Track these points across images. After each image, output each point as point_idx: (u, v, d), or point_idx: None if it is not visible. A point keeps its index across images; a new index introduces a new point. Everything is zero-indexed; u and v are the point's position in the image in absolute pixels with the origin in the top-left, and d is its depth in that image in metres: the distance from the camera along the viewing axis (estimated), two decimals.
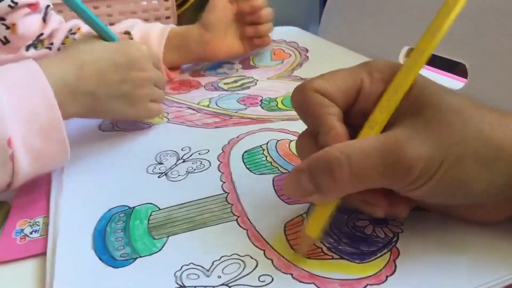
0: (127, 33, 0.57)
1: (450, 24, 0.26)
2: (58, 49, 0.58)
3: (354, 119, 0.27)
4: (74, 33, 0.60)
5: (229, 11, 0.62)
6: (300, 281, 0.25)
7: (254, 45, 0.64)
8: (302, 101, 0.27)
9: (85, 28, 0.61)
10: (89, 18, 0.43)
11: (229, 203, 0.32)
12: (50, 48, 0.58)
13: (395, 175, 0.23)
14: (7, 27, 0.55)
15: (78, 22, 0.61)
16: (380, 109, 0.25)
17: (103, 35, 0.43)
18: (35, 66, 0.34)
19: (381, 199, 0.26)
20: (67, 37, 0.59)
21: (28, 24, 0.56)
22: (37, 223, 0.32)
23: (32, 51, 0.57)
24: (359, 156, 0.23)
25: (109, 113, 0.41)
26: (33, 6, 0.57)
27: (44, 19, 0.59)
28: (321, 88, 0.26)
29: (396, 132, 0.24)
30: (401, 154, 0.22)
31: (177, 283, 0.25)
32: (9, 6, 0.54)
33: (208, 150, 0.39)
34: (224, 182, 0.34)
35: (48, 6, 0.59)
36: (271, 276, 0.25)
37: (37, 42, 0.57)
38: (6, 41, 0.56)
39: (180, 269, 0.26)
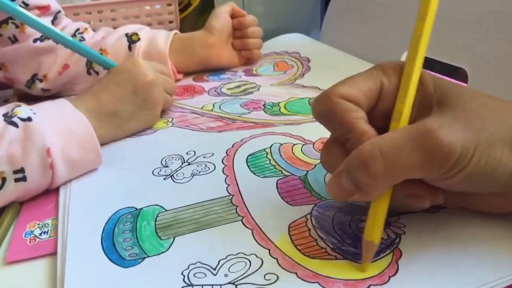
0: (135, 35, 0.59)
1: (436, 3, 0.27)
2: None
3: (377, 121, 0.27)
4: (82, 33, 0.61)
5: (230, 23, 0.66)
6: (304, 280, 0.25)
7: (245, 58, 0.68)
8: (328, 108, 0.26)
9: (91, 29, 0.63)
10: (87, 53, 0.50)
11: (234, 205, 0.32)
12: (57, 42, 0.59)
13: (433, 162, 0.23)
14: (17, 26, 0.57)
15: (85, 24, 0.63)
16: (400, 99, 0.26)
17: (103, 64, 0.51)
18: (64, 100, 0.41)
19: (426, 189, 0.26)
20: (74, 35, 0.60)
21: None
22: (46, 225, 0.33)
23: (38, 43, 0.58)
24: (391, 146, 0.23)
25: (132, 127, 0.46)
26: (43, 9, 0.59)
27: (53, 22, 0.60)
28: (346, 94, 0.26)
29: (426, 121, 0.24)
30: (438, 140, 0.22)
31: (185, 282, 0.26)
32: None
33: (213, 154, 0.40)
34: (229, 185, 0.35)
35: (59, 11, 0.61)
36: (276, 275, 0.26)
37: (44, 37, 0.58)
38: (14, 40, 0.57)
39: (187, 268, 0.27)
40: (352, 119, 0.26)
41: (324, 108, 0.27)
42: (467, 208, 0.28)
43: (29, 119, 0.36)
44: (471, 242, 0.27)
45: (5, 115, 0.36)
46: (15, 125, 0.35)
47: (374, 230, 0.25)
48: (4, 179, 0.34)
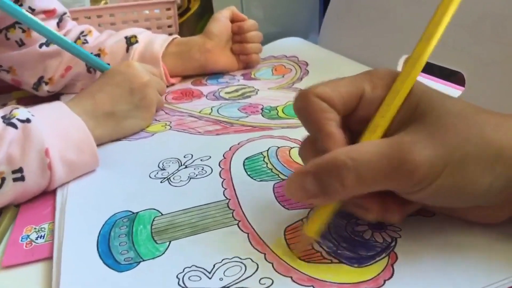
0: (134, 37, 0.60)
1: (444, 28, 0.26)
2: None
3: (354, 126, 0.28)
4: (86, 35, 0.62)
5: (229, 27, 0.66)
6: (299, 284, 0.25)
7: (243, 62, 0.68)
8: (303, 106, 0.27)
9: (96, 32, 0.64)
10: (83, 55, 0.52)
11: (230, 209, 0.32)
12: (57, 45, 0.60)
13: (400, 178, 0.23)
14: (23, 31, 0.58)
15: (90, 26, 0.64)
16: (381, 113, 0.26)
17: (98, 67, 0.53)
18: (60, 103, 0.41)
19: (373, 204, 0.26)
20: (78, 38, 0.62)
21: None
22: (42, 229, 0.33)
23: (44, 48, 0.59)
24: (364, 160, 0.24)
25: (129, 126, 0.47)
26: (49, 13, 0.60)
27: (59, 24, 0.62)
28: (322, 94, 0.27)
29: (400, 136, 0.24)
30: (406, 157, 0.23)
31: (180, 285, 0.26)
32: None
33: (210, 157, 0.40)
34: (226, 189, 0.35)
35: (65, 13, 0.62)
36: (271, 279, 0.26)
37: (50, 41, 0.59)
38: (21, 44, 0.59)
39: (183, 271, 0.27)
40: (323, 119, 0.26)
41: (300, 105, 0.28)
42: (453, 216, 0.28)
43: (27, 120, 0.36)
44: (467, 246, 0.27)
45: (3, 117, 0.37)
46: (14, 126, 0.36)
47: (315, 228, 0.26)
48: (3, 179, 0.34)
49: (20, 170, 0.35)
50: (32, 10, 0.58)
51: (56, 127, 0.38)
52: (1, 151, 0.34)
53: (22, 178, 0.35)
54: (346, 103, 0.27)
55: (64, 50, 0.58)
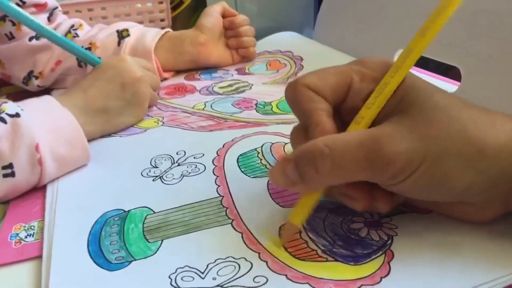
0: (126, 31, 0.59)
1: (441, 25, 0.26)
2: None
3: (346, 115, 0.28)
4: (76, 29, 0.61)
5: (221, 22, 0.66)
6: (294, 282, 0.25)
7: (240, 56, 0.68)
8: (294, 96, 0.28)
9: (87, 26, 0.63)
10: (74, 49, 0.51)
11: (224, 206, 0.32)
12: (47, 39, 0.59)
13: (375, 169, 0.24)
14: (13, 24, 0.57)
15: (81, 20, 0.63)
16: (367, 105, 0.26)
17: (89, 61, 0.52)
18: (50, 98, 0.41)
19: (360, 193, 0.26)
20: (69, 31, 0.61)
21: None
22: (32, 227, 0.32)
23: (34, 41, 0.58)
24: (341, 149, 0.24)
25: (120, 122, 0.46)
26: (40, 7, 0.59)
27: (49, 18, 0.61)
28: (311, 84, 0.27)
29: (380, 128, 0.24)
30: (382, 149, 0.23)
31: (172, 285, 0.25)
32: (17, 4, 0.56)
33: (203, 154, 0.40)
34: (219, 186, 0.34)
35: (56, 7, 0.62)
36: (265, 277, 0.25)
37: (39, 35, 0.58)
38: (11, 37, 0.58)
39: (175, 272, 0.26)
40: (312, 108, 0.27)
41: (290, 95, 0.28)
42: (439, 212, 0.28)
43: (17, 115, 0.36)
44: (464, 244, 0.26)
45: None
46: (3, 121, 0.35)
47: (299, 216, 0.27)
48: None
49: (10, 166, 0.34)
50: (23, 3, 0.57)
51: (46, 122, 0.37)
52: None
53: (12, 174, 0.34)
54: (334, 92, 0.27)
55: (55, 44, 0.58)
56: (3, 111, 0.36)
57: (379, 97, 0.26)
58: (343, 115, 0.28)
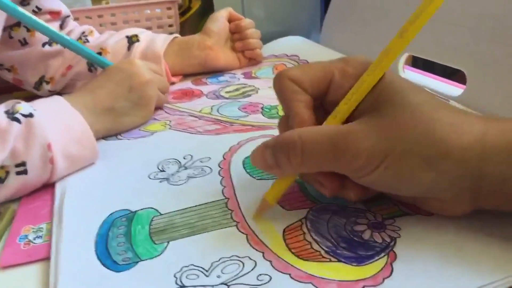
0: (135, 36, 0.60)
1: (420, 27, 0.27)
2: None
3: (328, 108, 0.30)
4: (87, 35, 0.63)
5: (227, 26, 0.67)
6: (298, 281, 0.25)
7: (247, 59, 0.68)
8: (278, 87, 0.30)
9: (97, 32, 0.64)
10: (86, 53, 0.53)
11: (229, 209, 0.32)
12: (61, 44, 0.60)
13: (339, 163, 0.26)
14: (28, 30, 0.59)
15: (91, 27, 0.65)
16: (344, 101, 0.28)
17: (100, 65, 0.53)
18: (60, 98, 0.42)
19: (329, 181, 0.28)
20: (79, 38, 0.62)
21: None
22: (40, 229, 0.33)
23: (47, 47, 0.60)
24: (312, 141, 0.26)
25: (127, 122, 0.47)
26: (54, 14, 0.61)
27: (61, 26, 0.63)
28: (294, 76, 0.29)
29: (350, 125, 0.26)
30: (348, 144, 0.25)
31: (177, 284, 0.26)
32: (33, 11, 0.58)
33: (210, 158, 0.40)
34: (225, 187, 0.35)
35: (68, 16, 0.63)
36: (269, 276, 0.25)
37: (53, 40, 0.59)
38: (24, 43, 0.59)
39: (180, 271, 0.27)
40: (292, 99, 0.29)
41: (276, 86, 0.30)
42: (415, 205, 0.30)
43: (30, 115, 0.37)
44: (466, 245, 0.26)
45: (7, 112, 0.37)
46: (18, 121, 0.36)
47: (273, 195, 0.30)
48: (7, 173, 0.35)
49: (23, 164, 0.36)
50: (39, 10, 0.59)
51: (57, 122, 0.39)
52: (8, 146, 0.35)
53: (25, 172, 0.36)
54: (315, 85, 0.29)
55: (66, 50, 0.60)
56: (18, 111, 0.37)
57: (355, 93, 0.27)
58: (326, 107, 0.30)
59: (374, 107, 0.27)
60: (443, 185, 0.25)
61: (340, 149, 0.25)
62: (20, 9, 0.47)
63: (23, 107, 0.38)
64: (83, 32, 0.63)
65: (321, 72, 0.29)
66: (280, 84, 0.30)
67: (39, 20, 0.49)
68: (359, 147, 0.25)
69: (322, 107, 0.30)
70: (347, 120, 0.28)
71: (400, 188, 0.27)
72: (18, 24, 0.58)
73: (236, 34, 0.68)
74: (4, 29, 0.56)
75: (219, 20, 0.66)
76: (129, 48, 0.61)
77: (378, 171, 0.25)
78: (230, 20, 0.68)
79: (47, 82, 0.61)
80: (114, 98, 0.46)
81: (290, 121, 0.29)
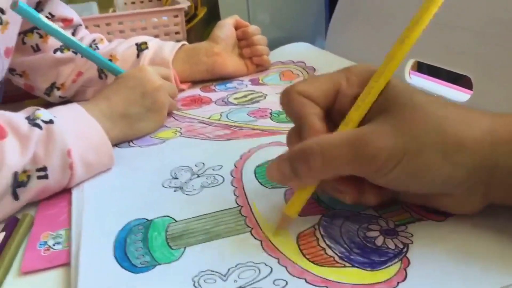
0: (144, 44, 0.61)
1: (420, 32, 0.28)
2: (82, 56, 0.62)
3: (335, 117, 0.31)
4: (97, 43, 0.64)
5: (234, 33, 0.68)
6: (313, 285, 0.26)
7: (255, 65, 0.69)
8: (288, 102, 0.31)
9: (106, 41, 0.66)
10: (99, 60, 0.54)
11: (242, 216, 0.33)
12: (76, 53, 0.62)
13: (360, 164, 0.26)
14: (40, 36, 0.60)
15: (101, 35, 0.66)
16: (355, 107, 0.29)
17: (112, 71, 0.55)
18: (77, 106, 0.43)
19: (349, 188, 0.29)
20: (90, 45, 0.63)
21: None
22: (59, 235, 0.34)
23: (58, 54, 0.61)
24: (330, 146, 0.27)
25: (141, 128, 0.49)
26: (67, 22, 0.62)
27: (73, 34, 0.64)
28: (303, 91, 0.30)
29: (365, 127, 0.27)
30: (366, 146, 0.26)
31: (195, 287, 0.26)
32: (46, 17, 0.58)
33: (222, 166, 0.41)
34: (238, 196, 0.36)
35: (80, 25, 0.65)
36: (285, 281, 0.26)
37: (64, 47, 0.61)
38: (37, 49, 0.61)
39: (198, 275, 0.27)
40: (305, 113, 0.30)
41: (284, 101, 0.31)
42: (427, 205, 0.31)
43: (51, 121, 0.38)
44: (478, 250, 0.27)
45: (28, 118, 0.38)
46: (39, 127, 0.37)
47: (294, 208, 0.30)
48: (29, 177, 0.36)
49: (44, 169, 0.37)
50: (52, 16, 0.60)
51: (76, 129, 0.40)
52: (29, 152, 0.36)
53: (46, 176, 0.37)
54: (324, 97, 0.30)
55: (78, 57, 0.61)
56: (38, 118, 0.38)
57: (365, 100, 0.28)
58: (333, 117, 0.31)
59: (383, 110, 0.27)
60: (457, 178, 0.26)
61: (360, 150, 0.26)
62: (41, 16, 0.48)
63: (43, 114, 0.39)
64: (94, 40, 0.64)
65: (329, 84, 0.30)
66: (289, 98, 0.31)
67: (57, 26, 0.50)
68: (378, 146, 0.26)
69: (329, 117, 0.31)
70: (358, 127, 0.29)
71: (417, 185, 0.27)
72: (31, 31, 0.59)
73: (243, 41, 0.68)
74: (18, 34, 0.57)
75: (226, 27, 0.67)
76: (138, 56, 0.62)
77: (397, 169, 0.26)
78: (237, 27, 0.68)
79: (58, 88, 0.62)
80: (128, 104, 0.47)
81: (304, 133, 0.29)
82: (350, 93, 0.30)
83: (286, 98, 0.31)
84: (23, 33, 0.59)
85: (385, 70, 0.28)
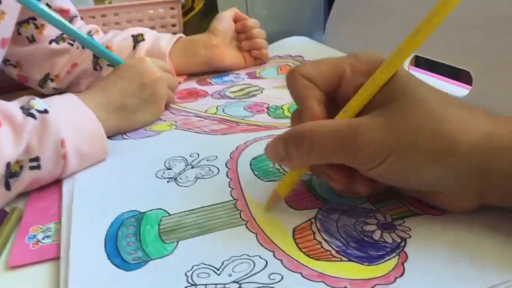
0: (141, 35, 0.61)
1: (434, 28, 0.27)
2: (78, 47, 0.61)
3: (339, 103, 0.30)
4: (93, 34, 0.63)
5: (233, 26, 0.68)
6: (309, 280, 0.25)
7: (253, 58, 0.69)
8: (291, 83, 0.31)
9: (102, 32, 0.65)
10: (99, 50, 0.53)
11: (238, 209, 0.32)
12: (71, 44, 0.61)
13: (347, 154, 0.26)
14: (36, 27, 0.59)
15: (96, 26, 0.65)
16: (356, 96, 0.28)
17: (111, 61, 0.53)
18: (73, 96, 0.42)
19: (339, 175, 0.29)
20: None
21: (54, 28, 0.59)
22: (49, 229, 0.33)
23: (54, 45, 0.60)
24: (321, 133, 0.27)
25: (138, 120, 0.48)
26: (64, 12, 0.62)
27: None
28: (306, 73, 0.30)
29: (360, 118, 0.27)
30: (355, 137, 0.26)
31: (188, 282, 0.26)
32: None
33: (216, 157, 0.40)
34: (233, 189, 0.35)
35: (76, 16, 0.64)
36: (280, 275, 0.25)
37: (60, 38, 0.61)
38: (32, 40, 0.60)
39: (191, 269, 0.27)
40: (305, 95, 0.30)
41: (288, 82, 0.31)
42: (423, 200, 0.30)
43: (45, 111, 0.37)
44: (477, 245, 0.27)
45: (22, 108, 0.38)
46: (33, 116, 0.37)
47: (284, 188, 0.31)
48: (21, 167, 0.35)
49: (37, 159, 0.36)
50: (49, 7, 0.59)
51: (70, 119, 0.39)
52: (23, 142, 0.35)
53: (38, 167, 0.36)
54: (326, 81, 0.30)
55: (73, 48, 0.60)
56: (33, 107, 0.37)
57: (367, 90, 0.28)
58: (338, 102, 0.30)
59: (384, 102, 0.27)
60: (449, 179, 0.26)
61: (348, 141, 0.26)
62: (41, 4, 0.48)
63: (38, 103, 0.38)
64: (89, 31, 0.63)
65: (332, 68, 0.30)
66: (292, 80, 0.31)
67: (57, 15, 0.49)
68: (367, 139, 0.25)
69: (333, 102, 0.31)
70: (358, 116, 0.28)
71: (407, 182, 0.27)
72: (27, 21, 0.58)
73: (242, 34, 0.68)
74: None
75: (225, 20, 0.66)
76: (134, 47, 0.61)
77: (385, 163, 0.26)
78: (235, 20, 0.68)
79: (52, 80, 0.61)
80: (125, 96, 0.46)
81: (302, 115, 0.29)
82: (354, 80, 0.29)
83: (290, 78, 0.31)
84: (19, 24, 0.58)
85: (393, 62, 0.27)
